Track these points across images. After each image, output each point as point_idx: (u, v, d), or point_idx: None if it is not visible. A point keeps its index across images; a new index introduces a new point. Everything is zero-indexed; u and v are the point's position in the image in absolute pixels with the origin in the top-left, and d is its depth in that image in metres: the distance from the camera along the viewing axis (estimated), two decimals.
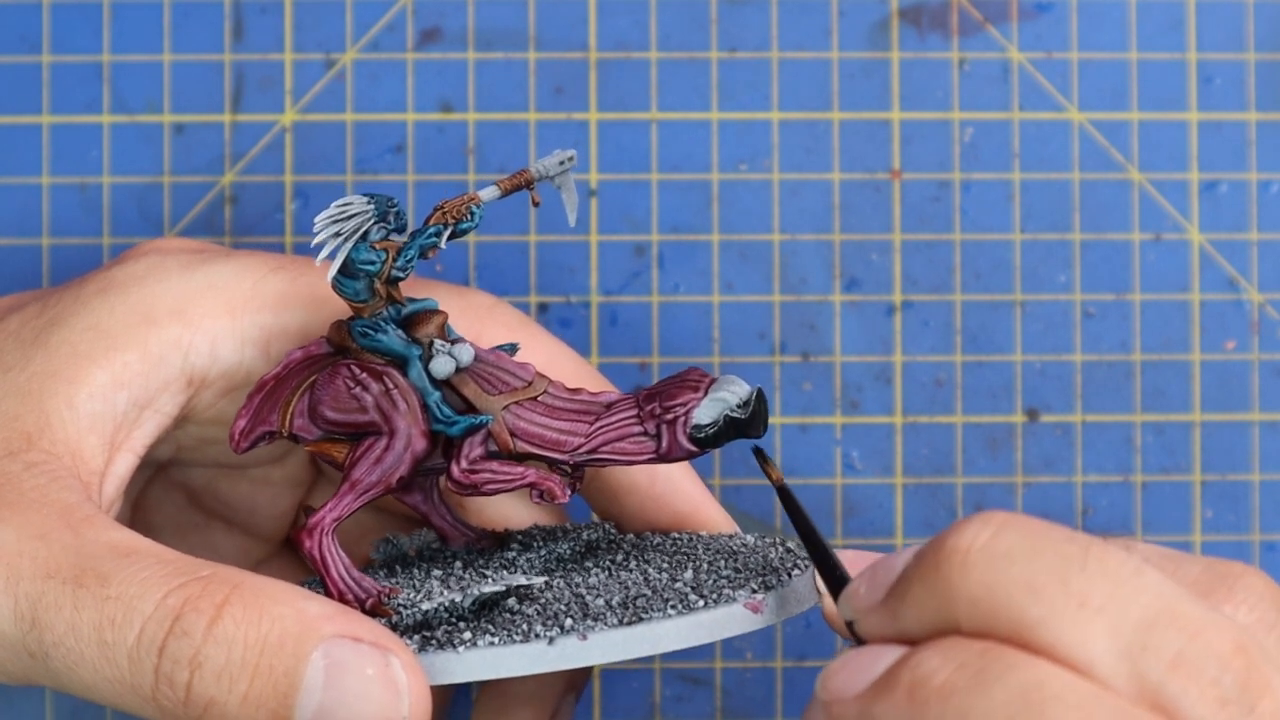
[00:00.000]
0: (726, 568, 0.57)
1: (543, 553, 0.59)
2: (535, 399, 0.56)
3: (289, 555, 0.65)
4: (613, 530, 0.61)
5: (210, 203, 0.69)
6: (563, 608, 0.54)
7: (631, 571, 0.57)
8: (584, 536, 0.60)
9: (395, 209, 0.55)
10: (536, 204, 0.57)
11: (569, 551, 0.59)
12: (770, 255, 0.69)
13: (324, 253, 0.54)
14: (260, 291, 0.58)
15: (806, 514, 0.55)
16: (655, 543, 0.60)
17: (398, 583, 0.56)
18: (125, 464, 0.57)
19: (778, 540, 0.59)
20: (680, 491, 0.61)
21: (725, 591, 0.55)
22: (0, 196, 0.69)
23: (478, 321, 0.60)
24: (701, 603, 0.55)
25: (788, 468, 0.69)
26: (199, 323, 0.58)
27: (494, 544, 0.60)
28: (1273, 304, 0.69)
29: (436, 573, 0.57)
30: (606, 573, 0.57)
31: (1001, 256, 0.69)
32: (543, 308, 0.69)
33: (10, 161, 0.69)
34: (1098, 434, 0.69)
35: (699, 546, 0.59)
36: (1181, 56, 0.70)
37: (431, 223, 0.55)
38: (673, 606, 0.54)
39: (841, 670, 0.50)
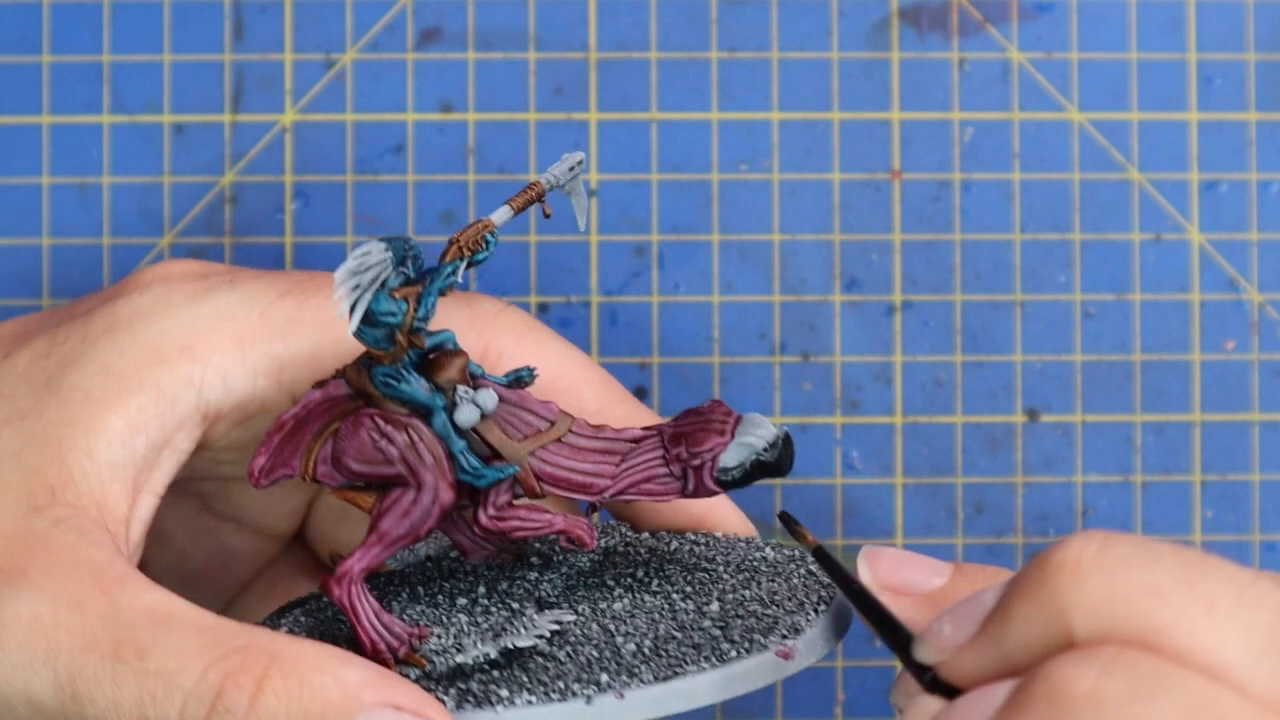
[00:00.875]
0: (752, 599, 0.56)
1: (563, 570, 0.58)
2: (560, 440, 0.55)
3: (298, 550, 0.66)
4: (629, 532, 0.61)
5: (210, 203, 0.69)
6: (594, 653, 0.54)
7: (655, 595, 0.57)
8: (601, 544, 0.60)
9: (412, 253, 0.53)
10: (548, 215, 0.55)
11: (588, 564, 0.59)
12: (770, 255, 0.69)
13: (343, 306, 0.53)
14: (268, 320, 0.58)
15: (851, 575, 0.53)
16: (673, 550, 0.59)
17: (422, 611, 0.56)
18: (148, 506, 0.57)
19: (795, 553, 0.59)
20: None
21: (756, 638, 0.55)
22: (0, 196, 0.69)
23: (485, 329, 0.60)
24: (734, 652, 0.54)
25: None
26: (209, 358, 0.57)
27: (513, 558, 0.59)
28: (1273, 304, 0.69)
29: (461, 601, 0.57)
30: (630, 594, 0.57)
31: (1001, 256, 0.69)
32: (543, 308, 0.69)
33: (10, 161, 0.69)
34: (1098, 434, 0.69)
35: (719, 561, 0.59)
36: (1181, 56, 0.70)
37: (448, 258, 0.54)
38: (706, 658, 0.54)
39: (951, 715, 0.47)
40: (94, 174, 0.69)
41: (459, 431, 0.54)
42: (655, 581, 0.58)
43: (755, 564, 0.58)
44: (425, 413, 0.54)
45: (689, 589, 0.57)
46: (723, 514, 0.61)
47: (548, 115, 0.69)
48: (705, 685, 0.54)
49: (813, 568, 0.58)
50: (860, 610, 0.53)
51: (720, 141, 0.69)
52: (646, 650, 0.54)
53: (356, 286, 0.52)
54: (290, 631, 0.57)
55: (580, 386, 0.60)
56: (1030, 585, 0.47)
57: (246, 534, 0.64)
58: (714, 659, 0.54)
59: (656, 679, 0.53)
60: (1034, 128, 0.70)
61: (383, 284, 0.53)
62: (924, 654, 0.50)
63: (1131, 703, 0.44)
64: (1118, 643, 0.46)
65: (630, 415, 0.61)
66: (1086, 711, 0.44)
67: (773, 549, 0.59)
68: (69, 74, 0.69)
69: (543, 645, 0.54)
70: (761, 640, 0.54)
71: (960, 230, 0.69)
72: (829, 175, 0.69)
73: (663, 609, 0.56)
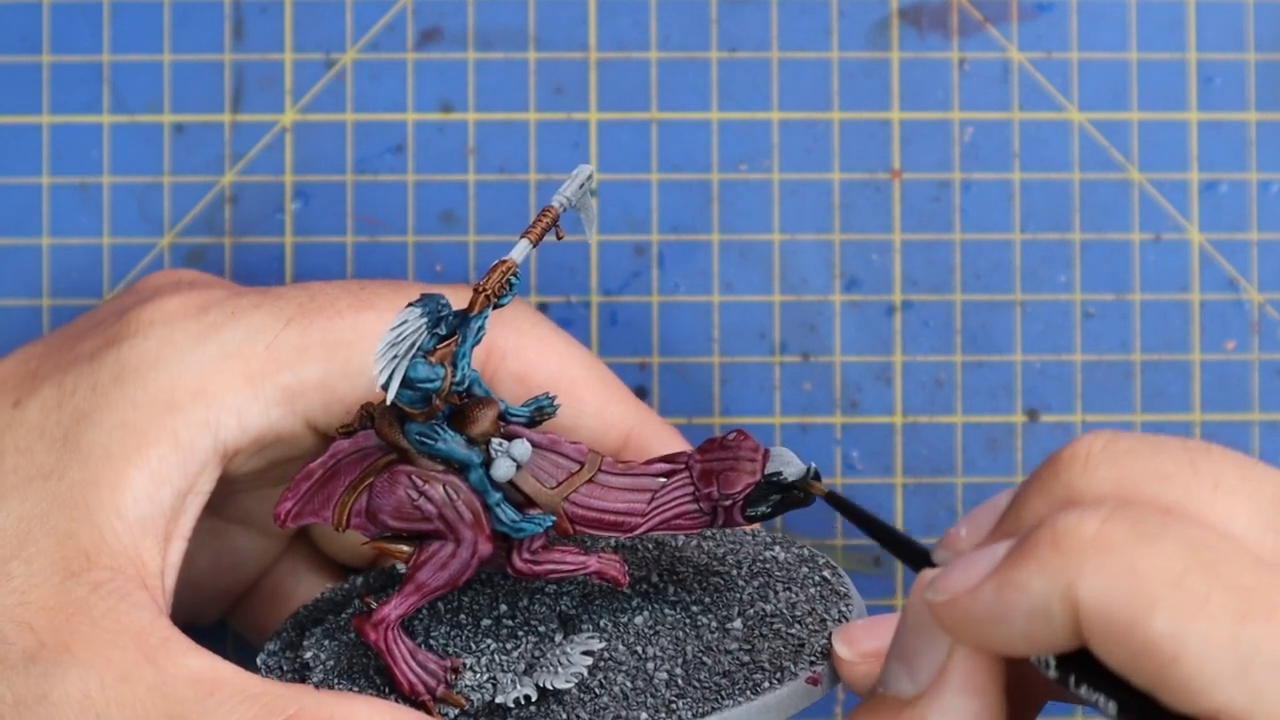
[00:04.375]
0: (773, 614, 0.57)
1: (578, 578, 0.59)
2: (591, 480, 0.55)
3: (300, 544, 0.66)
4: None
5: (210, 203, 0.69)
6: (627, 683, 0.55)
7: (674, 607, 0.57)
8: (611, 541, 0.60)
9: (445, 314, 0.53)
10: (560, 238, 0.55)
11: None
12: (770, 255, 0.69)
13: (382, 377, 0.52)
14: (276, 353, 0.58)
15: (863, 510, 0.54)
16: (679, 546, 0.60)
17: (447, 634, 0.57)
18: (178, 552, 0.57)
19: (804, 553, 0.59)
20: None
21: (786, 664, 0.55)
22: (0, 196, 0.69)
23: (484, 342, 0.60)
24: (766, 683, 0.55)
25: None
26: (221, 398, 0.57)
27: None
28: (1273, 304, 0.69)
29: (485, 622, 0.58)
30: (648, 605, 0.57)
31: (1001, 256, 0.69)
32: (543, 308, 0.69)
33: (10, 161, 0.69)
34: None
35: (729, 562, 0.59)
36: (1181, 56, 0.70)
37: (476, 309, 0.53)
38: (740, 691, 0.55)
39: (952, 570, 0.47)
40: (94, 174, 0.69)
41: (495, 485, 0.54)
42: (671, 588, 0.58)
43: (768, 566, 0.59)
44: (461, 468, 0.54)
45: (706, 599, 0.58)
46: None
47: (548, 115, 0.69)
48: (741, 715, 0.55)
49: (825, 573, 0.59)
50: (879, 540, 0.53)
51: (720, 141, 0.69)
52: (679, 681, 0.55)
53: (394, 357, 0.52)
54: (317, 657, 0.57)
55: (580, 386, 0.60)
56: (1043, 481, 0.48)
57: (253, 534, 0.64)
58: (748, 691, 0.55)
59: (695, 716, 0.54)
60: (1034, 128, 0.70)
61: (419, 349, 0.52)
62: (942, 557, 0.50)
63: (1137, 543, 0.45)
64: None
65: (629, 414, 0.61)
66: (1093, 553, 0.45)
67: (781, 547, 0.60)
68: (69, 74, 0.69)
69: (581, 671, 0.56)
70: (791, 668, 0.55)
71: (960, 230, 0.69)
72: (829, 175, 0.69)
73: (684, 625, 0.57)
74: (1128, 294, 0.69)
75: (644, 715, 0.54)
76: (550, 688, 0.55)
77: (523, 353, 0.60)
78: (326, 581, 0.66)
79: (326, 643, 0.58)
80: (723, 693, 0.55)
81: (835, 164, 0.69)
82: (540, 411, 0.56)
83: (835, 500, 0.55)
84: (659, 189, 0.69)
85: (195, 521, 0.57)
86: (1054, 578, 0.45)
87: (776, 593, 0.58)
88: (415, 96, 0.69)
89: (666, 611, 0.57)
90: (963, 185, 0.69)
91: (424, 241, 0.69)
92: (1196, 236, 0.69)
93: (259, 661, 0.60)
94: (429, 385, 0.53)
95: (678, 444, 0.62)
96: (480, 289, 0.53)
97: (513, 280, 0.54)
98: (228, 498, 0.63)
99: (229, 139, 0.69)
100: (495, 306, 0.53)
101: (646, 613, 0.57)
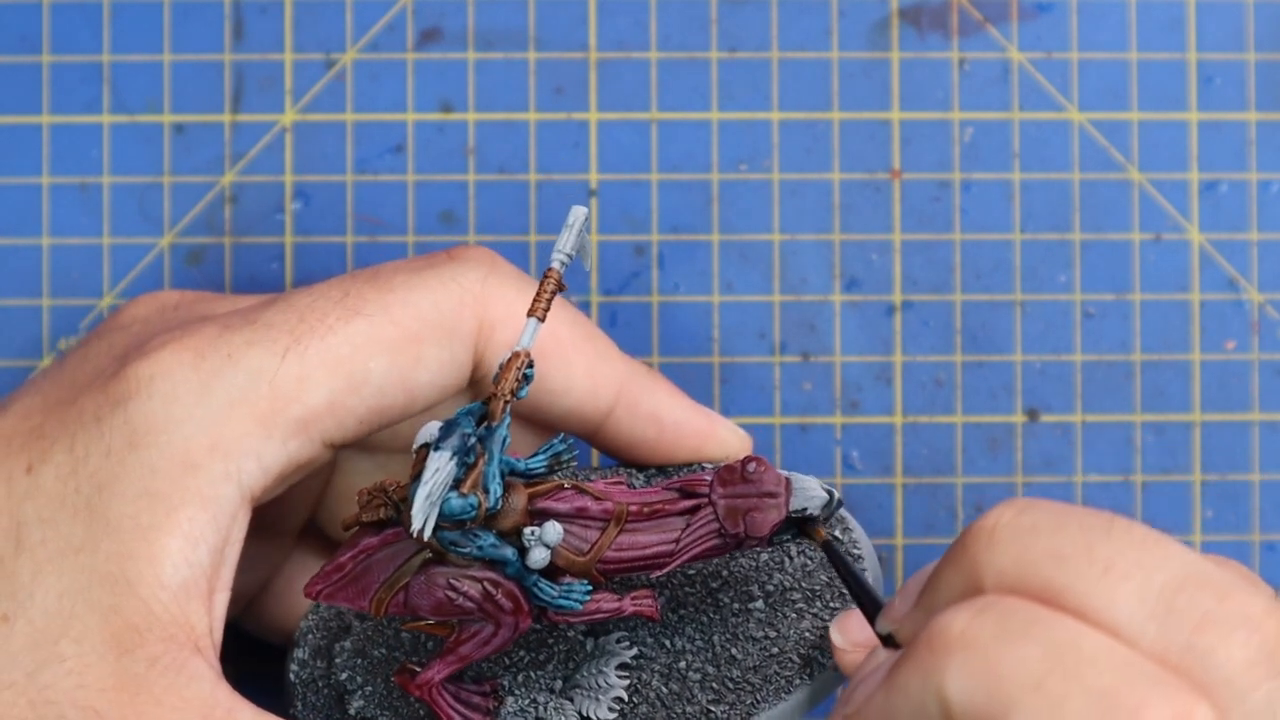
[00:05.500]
0: (790, 586, 0.58)
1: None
2: (619, 533, 0.56)
3: (311, 539, 0.66)
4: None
5: (210, 203, 0.69)
6: (662, 687, 0.56)
7: (693, 584, 0.58)
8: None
9: (470, 441, 0.53)
10: (564, 289, 0.55)
11: None
12: (770, 255, 0.69)
13: (416, 524, 0.52)
14: (278, 389, 0.57)
15: (854, 568, 0.56)
16: None
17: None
18: (222, 603, 0.57)
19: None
20: (689, 430, 0.61)
21: (814, 655, 0.57)
22: (0, 196, 0.69)
23: (475, 304, 0.59)
24: (797, 679, 0.57)
25: (787, 467, 0.69)
26: (237, 446, 0.57)
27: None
28: (1273, 304, 0.69)
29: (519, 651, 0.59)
30: (669, 580, 0.58)
31: (1001, 256, 0.69)
32: None
33: (10, 161, 0.69)
34: (1098, 434, 0.69)
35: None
36: (1181, 56, 0.70)
37: (498, 416, 0.53)
38: (775, 692, 0.56)
39: (860, 683, 0.50)
40: (94, 174, 0.69)
41: (531, 569, 0.55)
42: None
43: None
44: (498, 562, 0.55)
45: (724, 571, 0.58)
46: (720, 439, 0.62)
47: (548, 115, 0.69)
48: (778, 716, 0.56)
49: (835, 531, 0.59)
50: (853, 598, 0.55)
51: (720, 141, 0.69)
52: (714, 685, 0.56)
53: (433, 504, 0.52)
54: (354, 680, 0.58)
55: (568, 348, 0.60)
56: (953, 553, 0.50)
57: (264, 536, 0.64)
58: (783, 692, 0.56)
59: None
60: (1034, 128, 0.70)
61: (453, 484, 0.53)
62: (879, 625, 0.53)
63: (998, 642, 0.46)
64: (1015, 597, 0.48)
65: (619, 371, 0.61)
66: (958, 652, 0.47)
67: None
68: (69, 74, 0.69)
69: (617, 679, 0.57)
70: (819, 657, 0.57)
71: (960, 230, 0.69)
72: (829, 175, 0.69)
73: (708, 607, 0.57)
74: (1128, 294, 0.69)
75: None
76: (595, 718, 0.56)
77: (511, 321, 0.60)
78: None
79: (359, 662, 0.59)
80: (757, 694, 0.56)
81: (835, 164, 0.69)
82: (557, 459, 0.56)
83: (829, 550, 0.56)
84: (659, 189, 0.69)
85: (235, 568, 0.57)
86: (927, 679, 0.47)
87: (791, 558, 0.58)
88: (415, 96, 0.69)
89: (686, 590, 0.57)
90: (963, 185, 0.69)
91: (424, 242, 0.69)
92: (1196, 236, 0.69)
93: (292, 675, 0.60)
94: (465, 517, 0.53)
95: (671, 397, 0.62)
96: (498, 394, 0.53)
97: (528, 373, 0.53)
98: None
99: (229, 139, 0.69)
100: (517, 399, 0.53)
101: (668, 592, 0.57)
